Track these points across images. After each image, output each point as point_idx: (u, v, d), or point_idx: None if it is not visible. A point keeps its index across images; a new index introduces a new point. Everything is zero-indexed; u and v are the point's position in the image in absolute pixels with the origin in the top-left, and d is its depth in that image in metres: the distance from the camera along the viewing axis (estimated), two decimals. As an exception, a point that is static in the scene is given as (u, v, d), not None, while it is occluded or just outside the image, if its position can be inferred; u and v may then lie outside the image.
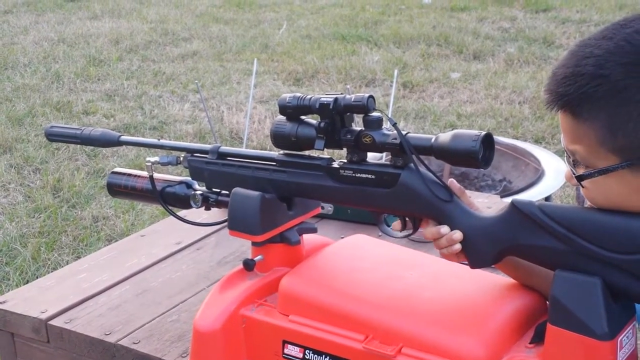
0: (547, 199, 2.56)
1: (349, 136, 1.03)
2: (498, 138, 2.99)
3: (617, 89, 0.83)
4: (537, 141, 4.20)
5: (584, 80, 0.84)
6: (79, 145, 3.13)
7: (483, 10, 7.69)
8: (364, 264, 1.12)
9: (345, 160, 1.05)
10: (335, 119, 1.03)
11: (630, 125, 0.83)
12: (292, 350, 1.04)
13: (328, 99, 1.02)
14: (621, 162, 0.85)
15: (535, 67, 5.68)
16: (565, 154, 0.94)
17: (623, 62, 0.83)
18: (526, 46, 6.22)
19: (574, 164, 0.91)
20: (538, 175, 2.67)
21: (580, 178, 0.90)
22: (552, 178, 2.62)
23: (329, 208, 1.74)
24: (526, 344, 0.94)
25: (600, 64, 0.83)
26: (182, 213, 1.51)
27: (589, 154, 0.88)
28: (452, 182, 1.01)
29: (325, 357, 1.00)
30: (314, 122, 1.06)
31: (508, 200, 0.96)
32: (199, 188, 1.22)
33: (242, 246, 1.59)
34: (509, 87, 5.17)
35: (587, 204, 0.93)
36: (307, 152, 1.10)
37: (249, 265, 1.11)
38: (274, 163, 1.11)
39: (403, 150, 0.98)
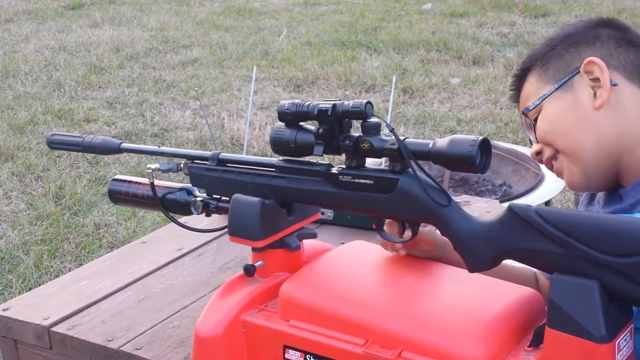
0: (547, 203, 2.56)
1: (347, 142, 1.04)
2: (498, 143, 3.00)
3: (548, 45, 1.22)
4: (537, 146, 4.20)
5: (540, 48, 1.23)
6: (80, 153, 3.16)
7: (482, 16, 7.72)
8: (364, 269, 1.12)
9: (344, 166, 1.06)
10: (334, 125, 1.04)
11: (554, 55, 1.19)
12: (293, 355, 1.04)
13: (326, 105, 1.03)
14: (555, 84, 1.16)
15: (535, 71, 5.69)
16: (528, 125, 1.20)
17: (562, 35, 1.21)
18: (525, 51, 6.21)
19: (534, 124, 1.18)
20: (538, 179, 2.68)
21: (527, 110, 1.18)
22: (552, 182, 2.63)
23: (329, 214, 1.75)
24: (525, 347, 0.95)
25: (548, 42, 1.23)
26: (183, 219, 1.52)
27: (537, 96, 1.18)
28: None
29: (326, 361, 1.01)
30: (312, 128, 1.07)
31: (507, 205, 0.97)
32: (200, 194, 1.23)
33: (243, 252, 1.60)
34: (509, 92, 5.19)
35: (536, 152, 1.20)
36: (306, 158, 1.11)
37: (249, 270, 1.12)
38: (274, 169, 1.12)
39: (401, 155, 0.99)
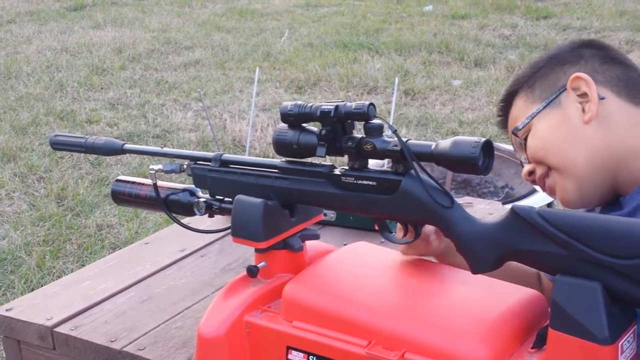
0: (549, 205, 2.57)
1: (350, 143, 1.04)
2: (500, 145, 3.00)
3: (533, 68, 1.23)
4: (539, 147, 4.20)
5: (524, 71, 1.25)
6: (82, 154, 3.17)
7: (484, 18, 7.72)
8: (367, 270, 1.12)
9: (347, 167, 1.06)
10: (337, 127, 1.04)
11: (540, 76, 1.20)
12: (295, 356, 1.04)
13: (329, 107, 1.03)
14: (543, 103, 1.17)
15: (537, 73, 5.69)
16: (519, 145, 1.21)
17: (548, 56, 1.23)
18: (527, 53, 6.24)
19: (525, 143, 1.19)
20: (540, 181, 2.67)
21: (517, 130, 1.19)
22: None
23: (331, 215, 1.75)
24: (528, 349, 0.95)
25: (531, 65, 1.25)
26: (186, 220, 1.52)
27: (526, 116, 1.19)
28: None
29: (329, 362, 1.01)
30: (315, 129, 1.07)
31: (509, 207, 0.97)
32: (203, 195, 1.23)
33: (246, 253, 1.60)
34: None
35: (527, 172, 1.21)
36: (309, 160, 1.11)
37: (252, 271, 1.12)
38: (276, 170, 1.12)
39: (404, 156, 0.99)
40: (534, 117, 1.17)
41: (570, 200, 1.17)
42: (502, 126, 1.29)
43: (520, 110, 1.21)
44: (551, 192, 1.19)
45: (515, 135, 1.20)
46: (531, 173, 1.21)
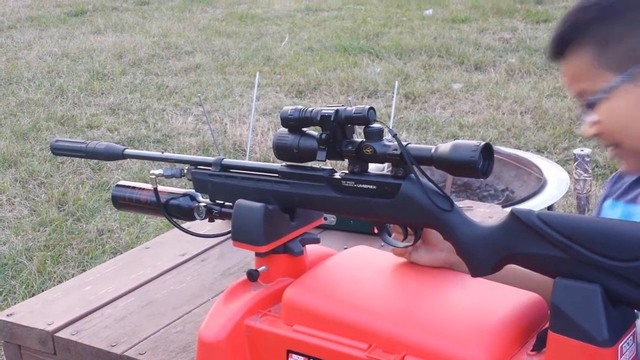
0: (549, 208, 2.57)
1: (350, 147, 1.04)
2: (500, 148, 3.01)
3: (604, 12, 1.06)
4: (539, 151, 4.21)
5: (575, 14, 1.11)
6: (83, 159, 3.17)
7: (484, 22, 7.73)
8: (367, 274, 1.12)
9: (347, 171, 1.07)
10: (337, 131, 1.05)
11: (615, 37, 1.04)
12: (296, 359, 1.05)
13: (329, 111, 1.03)
14: (622, 76, 1.03)
15: (537, 77, 5.70)
16: (578, 105, 1.09)
17: None
18: (527, 56, 6.24)
19: (587, 107, 1.07)
20: (540, 184, 2.68)
21: (590, 105, 1.05)
22: (554, 187, 2.63)
23: (332, 219, 1.75)
24: (528, 352, 0.95)
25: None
26: (186, 225, 1.53)
27: (594, 83, 1.05)
28: None
29: (329, 366, 1.01)
30: (315, 134, 1.07)
31: (509, 210, 0.97)
32: (203, 200, 1.24)
33: (246, 257, 1.61)
34: (511, 97, 5.19)
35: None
36: (309, 164, 1.11)
37: (252, 275, 1.12)
38: (277, 175, 1.13)
39: (403, 160, 0.99)
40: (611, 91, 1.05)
41: (635, 174, 1.15)
42: (554, 60, 1.15)
43: (585, 67, 1.07)
44: (615, 159, 1.13)
45: (587, 104, 1.08)
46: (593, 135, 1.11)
